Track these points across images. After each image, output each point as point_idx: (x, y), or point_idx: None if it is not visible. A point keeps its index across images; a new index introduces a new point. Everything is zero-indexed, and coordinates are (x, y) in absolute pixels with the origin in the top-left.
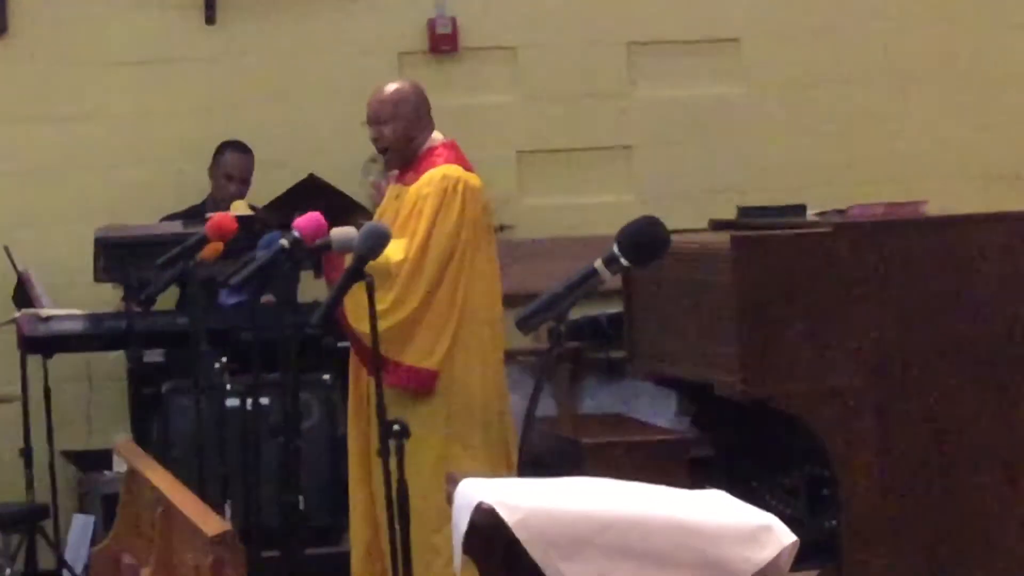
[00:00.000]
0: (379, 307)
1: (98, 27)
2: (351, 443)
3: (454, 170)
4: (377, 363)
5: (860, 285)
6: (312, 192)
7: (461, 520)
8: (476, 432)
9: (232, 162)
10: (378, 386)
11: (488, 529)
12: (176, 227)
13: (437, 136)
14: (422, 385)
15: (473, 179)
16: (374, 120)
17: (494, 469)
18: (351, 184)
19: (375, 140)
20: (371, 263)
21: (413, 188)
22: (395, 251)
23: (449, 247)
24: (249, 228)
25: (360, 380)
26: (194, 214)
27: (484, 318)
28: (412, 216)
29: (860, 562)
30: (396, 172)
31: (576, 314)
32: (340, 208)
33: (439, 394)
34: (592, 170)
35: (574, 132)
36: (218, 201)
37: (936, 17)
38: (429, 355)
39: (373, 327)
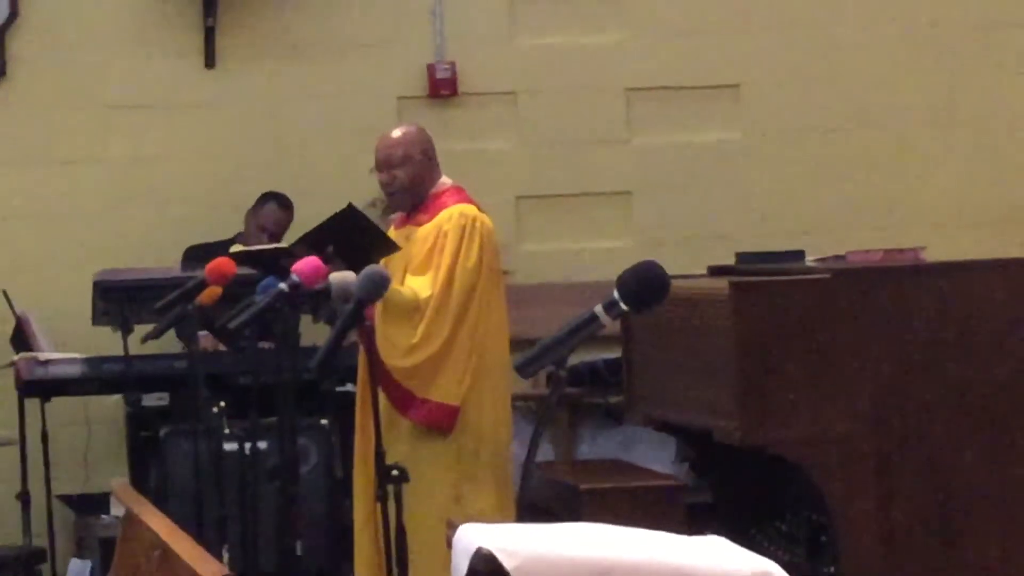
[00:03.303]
0: (409, 342)
1: (97, 71)
2: (356, 486)
3: (470, 209)
4: (376, 406)
5: (859, 332)
6: (348, 224)
7: (460, 565)
8: (487, 470)
9: (270, 215)
10: (376, 429)
11: (487, 574)
12: (174, 271)
13: (446, 180)
14: (445, 422)
15: (487, 220)
16: (385, 165)
17: (503, 508)
18: None
19: (387, 184)
20: (400, 300)
21: (429, 225)
22: (421, 287)
23: (471, 282)
24: (275, 263)
25: (368, 423)
26: (221, 248)
27: (496, 356)
28: (435, 251)
29: None
30: (399, 216)
31: (574, 359)
32: (373, 242)
33: (454, 431)
34: (591, 216)
35: (573, 177)
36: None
37: (933, 65)
38: (455, 391)
39: (372, 373)
